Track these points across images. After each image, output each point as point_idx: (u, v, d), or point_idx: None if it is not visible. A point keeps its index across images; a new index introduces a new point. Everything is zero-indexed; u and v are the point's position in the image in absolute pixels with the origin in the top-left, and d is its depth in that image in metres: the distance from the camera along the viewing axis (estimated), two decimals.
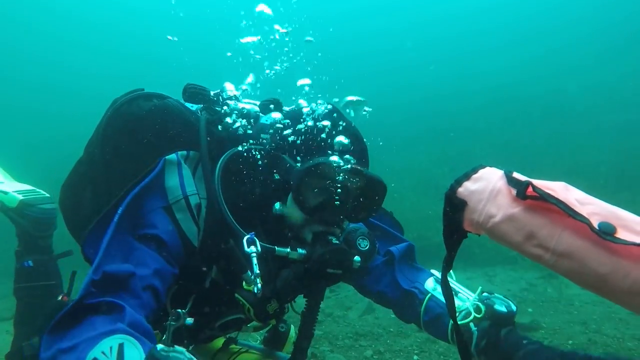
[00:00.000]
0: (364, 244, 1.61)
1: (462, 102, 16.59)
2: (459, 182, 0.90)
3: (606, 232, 0.75)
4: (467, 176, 0.91)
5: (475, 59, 22.28)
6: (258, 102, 1.76)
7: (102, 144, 1.68)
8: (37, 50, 23.29)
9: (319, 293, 1.68)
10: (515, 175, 0.87)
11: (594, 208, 0.80)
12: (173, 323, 1.25)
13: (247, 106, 1.74)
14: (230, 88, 1.80)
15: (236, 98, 1.78)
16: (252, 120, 1.70)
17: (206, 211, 1.48)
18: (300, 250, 1.37)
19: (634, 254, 0.73)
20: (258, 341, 2.06)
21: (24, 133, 16.36)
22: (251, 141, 1.59)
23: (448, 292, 1.04)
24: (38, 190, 2.61)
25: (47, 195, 2.56)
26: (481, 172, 0.91)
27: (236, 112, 1.69)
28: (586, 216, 0.78)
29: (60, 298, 2.37)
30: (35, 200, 2.49)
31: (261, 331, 2.00)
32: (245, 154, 1.55)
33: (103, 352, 1.13)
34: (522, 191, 0.82)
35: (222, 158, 1.53)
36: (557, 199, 0.79)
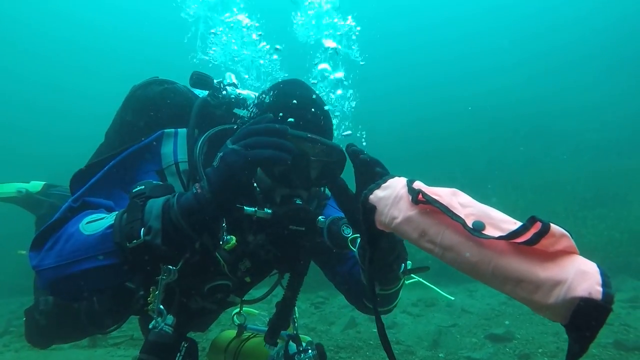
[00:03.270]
0: (347, 232, 1.74)
1: (449, 124, 17.05)
2: (370, 191, 1.09)
3: (476, 229, 0.94)
4: (377, 185, 1.09)
5: (463, 83, 22.97)
6: (257, 94, 1.94)
7: (120, 124, 1.90)
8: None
9: (300, 265, 1.77)
10: (416, 184, 1.06)
11: (472, 210, 0.99)
12: (164, 278, 1.39)
13: (245, 92, 1.95)
14: (231, 76, 2.03)
15: (235, 85, 1.98)
16: (247, 104, 1.88)
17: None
18: (267, 210, 1.48)
19: (495, 245, 0.92)
20: (264, 324, 2.14)
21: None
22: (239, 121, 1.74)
23: (372, 289, 1.17)
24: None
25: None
26: (389, 181, 1.09)
27: (234, 97, 1.90)
28: (464, 217, 0.96)
29: None
30: (56, 184, 2.83)
31: (254, 306, 2.08)
32: (229, 129, 1.69)
33: (87, 222, 1.30)
34: (415, 197, 1.01)
35: (209, 131, 1.69)
36: (440, 203, 0.98)
